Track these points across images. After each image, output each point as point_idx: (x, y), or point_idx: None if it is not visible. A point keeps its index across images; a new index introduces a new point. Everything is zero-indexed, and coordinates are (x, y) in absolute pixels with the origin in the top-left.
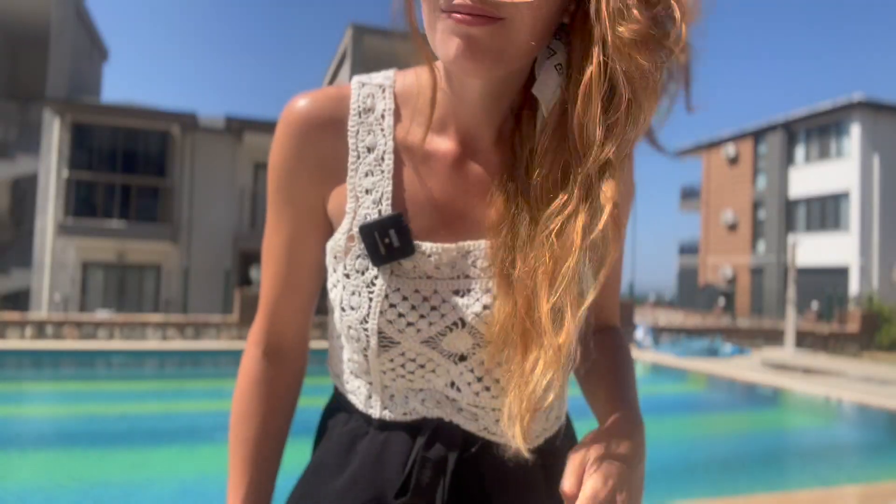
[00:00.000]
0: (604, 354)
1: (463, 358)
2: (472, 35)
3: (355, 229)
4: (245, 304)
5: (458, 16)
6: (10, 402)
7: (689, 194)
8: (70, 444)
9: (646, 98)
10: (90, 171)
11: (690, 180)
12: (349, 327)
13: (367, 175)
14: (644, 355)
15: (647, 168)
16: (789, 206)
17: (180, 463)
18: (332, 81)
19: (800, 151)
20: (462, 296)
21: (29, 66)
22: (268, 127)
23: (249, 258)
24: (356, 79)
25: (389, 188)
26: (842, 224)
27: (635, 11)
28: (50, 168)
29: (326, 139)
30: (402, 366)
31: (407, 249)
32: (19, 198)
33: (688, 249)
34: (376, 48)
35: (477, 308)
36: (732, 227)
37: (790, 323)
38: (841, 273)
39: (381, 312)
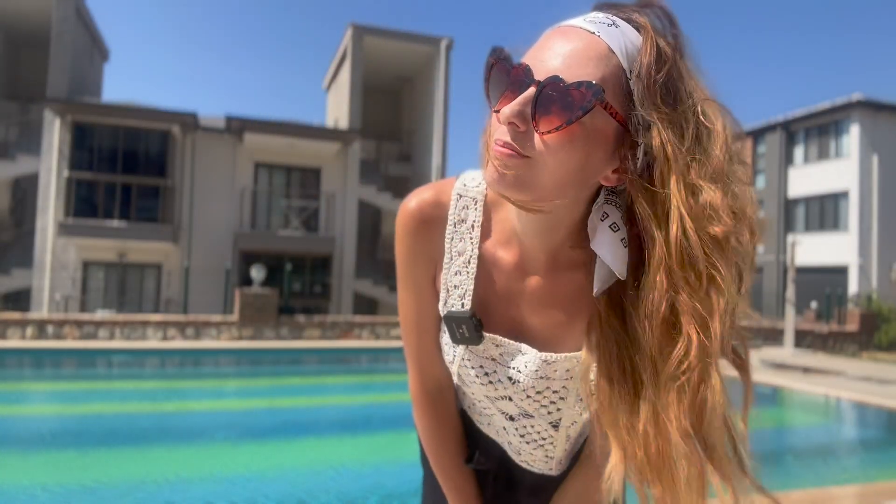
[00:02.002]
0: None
1: (511, 418)
2: (504, 165)
3: (444, 313)
4: (245, 304)
5: (497, 148)
6: (10, 402)
7: None
8: (70, 443)
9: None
10: (91, 170)
11: None
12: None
13: (456, 274)
14: None
15: None
16: (788, 206)
17: (180, 462)
18: (332, 81)
19: (799, 151)
20: (513, 382)
21: (29, 66)
22: (268, 127)
23: (250, 258)
24: (456, 190)
25: (472, 287)
26: (841, 224)
27: (723, 216)
28: (51, 168)
29: (431, 238)
30: (472, 405)
31: (475, 340)
32: (20, 198)
33: None
34: (376, 48)
35: (521, 394)
36: None
37: (789, 322)
38: (840, 272)
39: (459, 366)
